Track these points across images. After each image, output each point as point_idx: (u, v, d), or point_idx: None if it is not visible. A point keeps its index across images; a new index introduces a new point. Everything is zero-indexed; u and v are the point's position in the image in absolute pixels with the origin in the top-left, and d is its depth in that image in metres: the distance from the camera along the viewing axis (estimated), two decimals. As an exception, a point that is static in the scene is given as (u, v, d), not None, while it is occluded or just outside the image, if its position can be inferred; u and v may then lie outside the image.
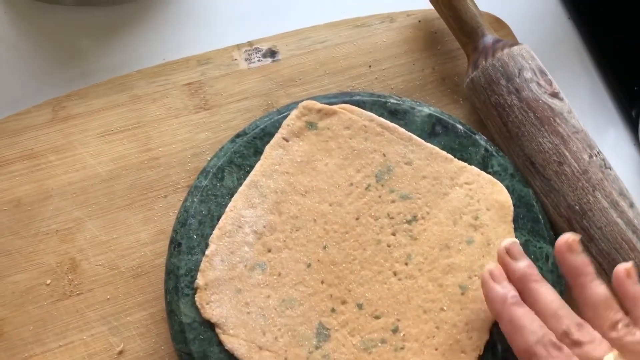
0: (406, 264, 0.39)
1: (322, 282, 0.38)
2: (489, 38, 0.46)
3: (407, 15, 0.51)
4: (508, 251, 0.36)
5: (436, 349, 0.37)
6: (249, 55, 0.48)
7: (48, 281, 0.40)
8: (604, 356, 0.32)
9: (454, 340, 0.38)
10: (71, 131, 0.44)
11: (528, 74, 0.44)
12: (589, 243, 0.41)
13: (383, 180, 0.41)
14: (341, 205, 0.40)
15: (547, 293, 0.35)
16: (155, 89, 0.46)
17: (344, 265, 0.39)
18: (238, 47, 0.48)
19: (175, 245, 0.39)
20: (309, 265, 0.38)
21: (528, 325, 0.33)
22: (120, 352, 0.39)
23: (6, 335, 0.39)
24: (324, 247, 0.39)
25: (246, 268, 0.38)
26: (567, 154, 0.42)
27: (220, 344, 0.36)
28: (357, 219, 0.40)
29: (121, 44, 0.49)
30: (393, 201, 0.40)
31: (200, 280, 0.37)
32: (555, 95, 0.44)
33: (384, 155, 0.41)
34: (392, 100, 0.44)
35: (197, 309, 0.37)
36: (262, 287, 0.38)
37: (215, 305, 0.37)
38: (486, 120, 0.46)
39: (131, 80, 0.46)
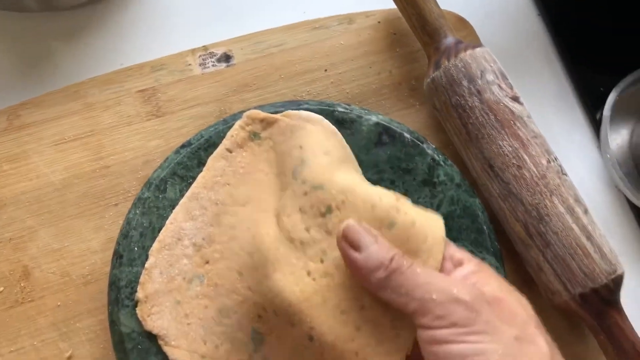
0: (322, 262, 0.35)
1: (249, 289, 0.37)
2: (451, 39, 0.45)
3: (367, 16, 0.50)
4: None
5: (357, 354, 0.33)
6: (203, 60, 0.48)
7: (0, 289, 0.42)
8: None
9: (377, 341, 0.34)
10: (25, 140, 0.45)
11: (490, 76, 0.43)
12: (545, 248, 0.41)
13: (297, 173, 0.37)
14: (267, 211, 0.38)
15: None
16: (108, 96, 0.46)
17: (260, 270, 0.36)
18: (192, 52, 0.48)
19: (117, 257, 0.40)
20: (240, 274, 0.38)
21: None
22: (69, 358, 0.41)
23: (-39, 340, 0.41)
24: (251, 254, 0.37)
25: (185, 280, 0.38)
26: (526, 157, 0.42)
27: (158, 353, 0.38)
28: (277, 222, 0.37)
29: (79, 50, 0.49)
30: (305, 194, 0.36)
31: (140, 293, 0.38)
32: (515, 99, 0.43)
33: (301, 147, 0.38)
34: (339, 109, 0.43)
35: (136, 320, 0.38)
36: (201, 299, 0.38)
37: (156, 317, 0.38)
38: (445, 122, 0.45)
39: (85, 88, 0.46)
